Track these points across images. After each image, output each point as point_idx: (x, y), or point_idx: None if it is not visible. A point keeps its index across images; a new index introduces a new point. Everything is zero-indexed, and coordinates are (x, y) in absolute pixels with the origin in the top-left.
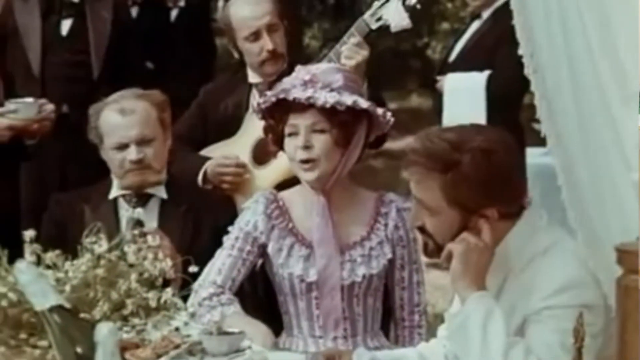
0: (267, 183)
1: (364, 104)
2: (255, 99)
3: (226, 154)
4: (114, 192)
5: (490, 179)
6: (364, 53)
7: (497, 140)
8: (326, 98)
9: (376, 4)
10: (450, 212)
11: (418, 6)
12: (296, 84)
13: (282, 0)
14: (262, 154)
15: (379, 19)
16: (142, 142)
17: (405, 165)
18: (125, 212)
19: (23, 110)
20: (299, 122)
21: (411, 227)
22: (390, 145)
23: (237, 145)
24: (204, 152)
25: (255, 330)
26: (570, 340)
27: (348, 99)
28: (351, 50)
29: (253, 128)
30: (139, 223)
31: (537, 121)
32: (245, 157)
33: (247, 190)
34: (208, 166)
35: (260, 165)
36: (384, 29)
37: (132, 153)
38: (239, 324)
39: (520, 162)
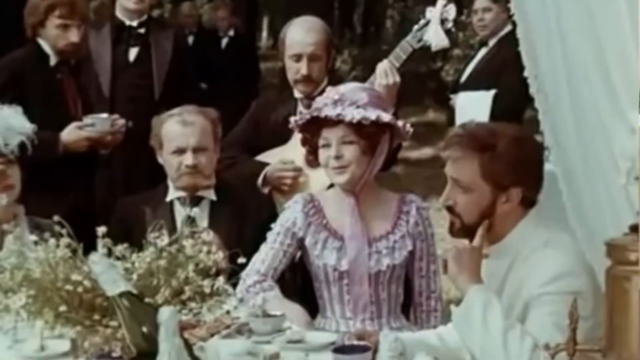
0: (320, 184)
1: (386, 117)
2: (300, 111)
3: (283, 158)
4: (171, 195)
5: (521, 163)
6: (397, 79)
7: (526, 135)
8: (353, 114)
9: (416, 28)
10: (483, 188)
11: (453, 29)
12: (327, 102)
13: (334, 34)
14: (313, 159)
15: (420, 40)
16: (197, 150)
17: (447, 146)
18: (180, 212)
19: (99, 125)
20: (331, 135)
21: (443, 205)
22: (410, 154)
23: (291, 151)
24: (260, 158)
25: (293, 312)
26: (563, 321)
27: (372, 114)
28: (386, 72)
29: None
30: (192, 221)
31: (539, 133)
32: (299, 161)
33: (303, 191)
34: (268, 170)
35: (313, 167)
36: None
37: (188, 158)
38: (280, 306)
39: (540, 158)
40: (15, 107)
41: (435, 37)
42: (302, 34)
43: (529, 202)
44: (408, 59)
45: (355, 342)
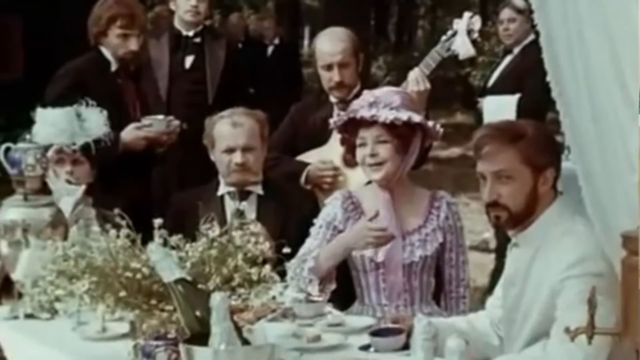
0: (357, 181)
1: (416, 118)
2: (337, 113)
3: (322, 159)
4: (221, 190)
5: (550, 144)
6: (427, 85)
7: (543, 124)
8: (387, 115)
9: (444, 38)
10: (524, 173)
11: (479, 39)
12: (363, 105)
13: (360, 40)
14: (350, 158)
15: (448, 49)
16: (245, 149)
17: (479, 146)
18: (230, 206)
19: (155, 125)
20: (367, 135)
21: (487, 201)
22: (440, 153)
23: (329, 152)
24: (301, 157)
25: None
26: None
27: (404, 115)
28: (417, 79)
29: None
30: (241, 214)
31: (560, 133)
32: (337, 161)
33: (341, 188)
34: (309, 169)
35: (350, 167)
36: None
37: (237, 157)
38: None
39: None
40: (101, 110)
41: (462, 47)
42: (329, 45)
43: (556, 190)
44: (437, 67)
45: (391, 326)
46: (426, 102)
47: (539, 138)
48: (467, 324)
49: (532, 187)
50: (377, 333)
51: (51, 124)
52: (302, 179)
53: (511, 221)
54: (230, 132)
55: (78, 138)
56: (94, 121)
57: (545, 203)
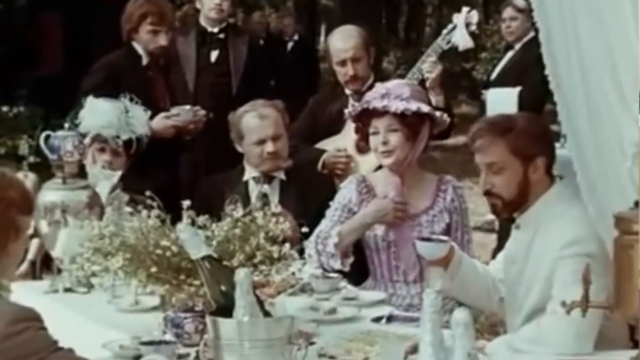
0: (368, 167)
1: (425, 109)
2: (352, 104)
3: (337, 146)
4: (247, 176)
5: (540, 134)
6: (440, 67)
7: (534, 114)
8: (397, 106)
9: (445, 32)
10: (514, 164)
11: (477, 31)
12: (376, 96)
13: (370, 35)
14: (363, 146)
15: (449, 42)
16: (275, 138)
17: (474, 139)
18: (253, 189)
19: (183, 115)
20: (379, 124)
21: (482, 190)
22: (446, 141)
23: (344, 140)
24: (319, 145)
25: None
26: (579, 276)
27: (413, 106)
28: (431, 66)
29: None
30: (265, 197)
31: (556, 123)
32: (350, 149)
33: (353, 173)
34: (325, 157)
35: (362, 154)
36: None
37: (269, 146)
38: None
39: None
40: (145, 110)
41: (461, 39)
42: (341, 42)
43: (551, 174)
44: (444, 62)
45: (435, 236)
46: (442, 85)
47: (528, 130)
48: (482, 269)
49: (523, 175)
50: (423, 239)
51: (100, 115)
52: (319, 165)
53: (506, 208)
54: (258, 124)
55: (123, 132)
56: (139, 119)
57: (540, 188)
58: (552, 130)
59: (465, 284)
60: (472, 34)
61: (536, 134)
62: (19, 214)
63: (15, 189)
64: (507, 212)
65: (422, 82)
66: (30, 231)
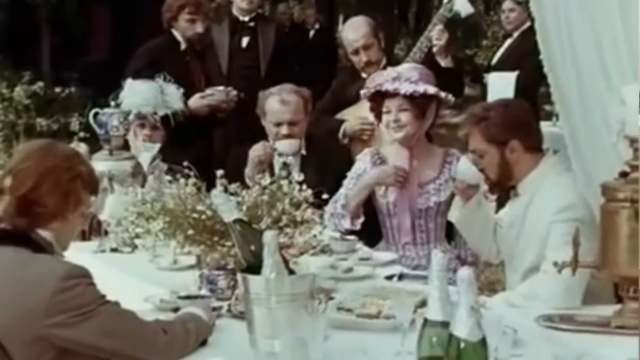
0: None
1: (431, 90)
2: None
3: (357, 115)
4: None
5: (511, 122)
6: (446, 35)
7: (516, 102)
8: (407, 88)
9: (445, 1)
10: (490, 149)
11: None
12: (388, 79)
13: (378, 23)
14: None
15: (451, 10)
16: (291, 123)
17: (461, 129)
18: (277, 160)
19: (217, 95)
20: (391, 104)
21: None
22: (451, 119)
23: (362, 109)
24: (338, 116)
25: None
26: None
27: (421, 88)
28: (438, 34)
29: None
30: (286, 165)
31: (549, 103)
32: (370, 117)
33: (378, 140)
34: (347, 126)
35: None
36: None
37: (284, 129)
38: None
39: (531, 116)
40: (178, 88)
41: (462, 6)
42: (352, 33)
43: (535, 150)
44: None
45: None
46: (450, 47)
47: (498, 119)
48: (492, 221)
49: (501, 158)
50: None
51: (138, 94)
52: (340, 133)
53: (495, 186)
54: (279, 108)
55: (160, 109)
56: (174, 96)
57: (522, 165)
58: (524, 117)
59: (474, 224)
60: (475, 25)
61: (507, 122)
62: (83, 188)
63: (85, 166)
64: (497, 189)
65: (430, 48)
66: (90, 210)
